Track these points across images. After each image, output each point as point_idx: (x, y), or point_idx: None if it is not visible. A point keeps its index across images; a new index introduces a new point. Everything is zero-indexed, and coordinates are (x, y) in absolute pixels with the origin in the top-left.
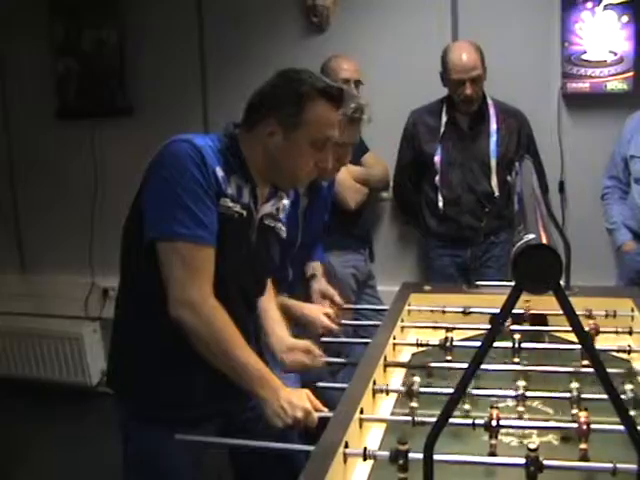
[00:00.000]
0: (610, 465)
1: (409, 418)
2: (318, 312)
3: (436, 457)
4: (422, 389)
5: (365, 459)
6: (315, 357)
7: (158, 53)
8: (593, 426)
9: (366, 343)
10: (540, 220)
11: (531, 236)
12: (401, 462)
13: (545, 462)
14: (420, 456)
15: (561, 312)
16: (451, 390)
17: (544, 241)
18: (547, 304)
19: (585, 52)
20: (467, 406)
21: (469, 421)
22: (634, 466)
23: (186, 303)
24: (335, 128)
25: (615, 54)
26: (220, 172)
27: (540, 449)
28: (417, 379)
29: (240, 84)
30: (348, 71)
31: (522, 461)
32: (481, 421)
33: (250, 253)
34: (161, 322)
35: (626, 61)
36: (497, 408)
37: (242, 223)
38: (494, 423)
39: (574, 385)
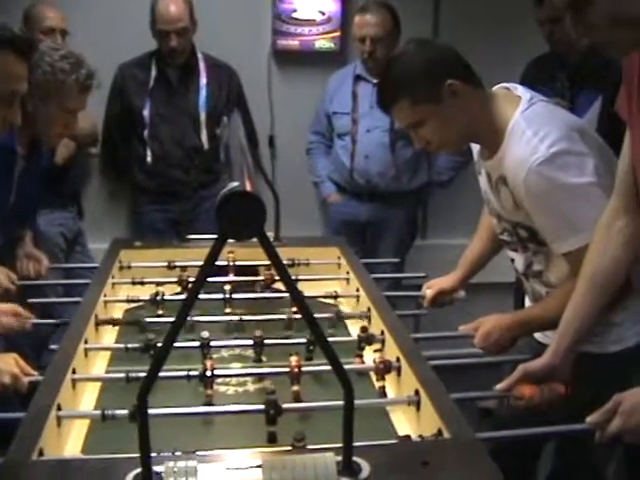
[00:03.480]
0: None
1: (123, 375)
2: None
3: (161, 411)
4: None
5: (104, 419)
6: (23, 320)
7: None
8: (304, 369)
9: (77, 302)
10: (245, 170)
11: (235, 184)
12: None
13: (285, 405)
14: (156, 411)
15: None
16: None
17: (248, 189)
18: (255, 255)
19: (295, 10)
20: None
21: (183, 373)
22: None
23: None
24: (23, 81)
25: (323, 14)
26: None
27: (257, 394)
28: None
29: None
30: (53, 19)
31: (261, 407)
32: (195, 372)
33: None
34: None
35: (334, 21)
36: (211, 358)
37: None
38: (209, 373)
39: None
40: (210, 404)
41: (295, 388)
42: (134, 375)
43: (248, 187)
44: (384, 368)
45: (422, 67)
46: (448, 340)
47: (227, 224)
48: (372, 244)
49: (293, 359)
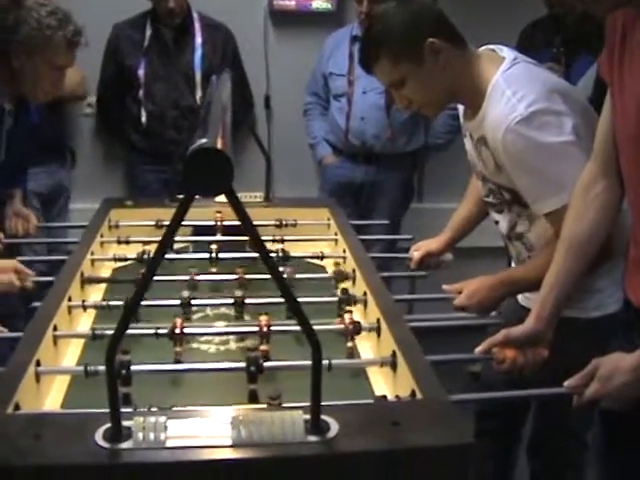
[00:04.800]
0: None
1: (89, 332)
2: None
3: (142, 367)
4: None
5: (87, 376)
6: (25, 277)
7: None
8: (273, 328)
9: (63, 260)
10: (220, 128)
11: (204, 140)
12: (123, 373)
13: (266, 364)
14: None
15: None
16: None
17: (219, 146)
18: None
19: None
20: None
21: (152, 331)
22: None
23: None
24: None
25: None
26: None
27: (239, 352)
28: None
29: None
30: None
31: (242, 364)
32: (165, 330)
33: None
34: None
35: None
36: (186, 317)
37: None
38: (177, 331)
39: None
40: (179, 362)
41: (264, 347)
42: (99, 332)
43: (219, 144)
44: (353, 329)
45: (403, 25)
46: (444, 303)
47: (194, 180)
48: (367, 206)
49: (263, 318)
